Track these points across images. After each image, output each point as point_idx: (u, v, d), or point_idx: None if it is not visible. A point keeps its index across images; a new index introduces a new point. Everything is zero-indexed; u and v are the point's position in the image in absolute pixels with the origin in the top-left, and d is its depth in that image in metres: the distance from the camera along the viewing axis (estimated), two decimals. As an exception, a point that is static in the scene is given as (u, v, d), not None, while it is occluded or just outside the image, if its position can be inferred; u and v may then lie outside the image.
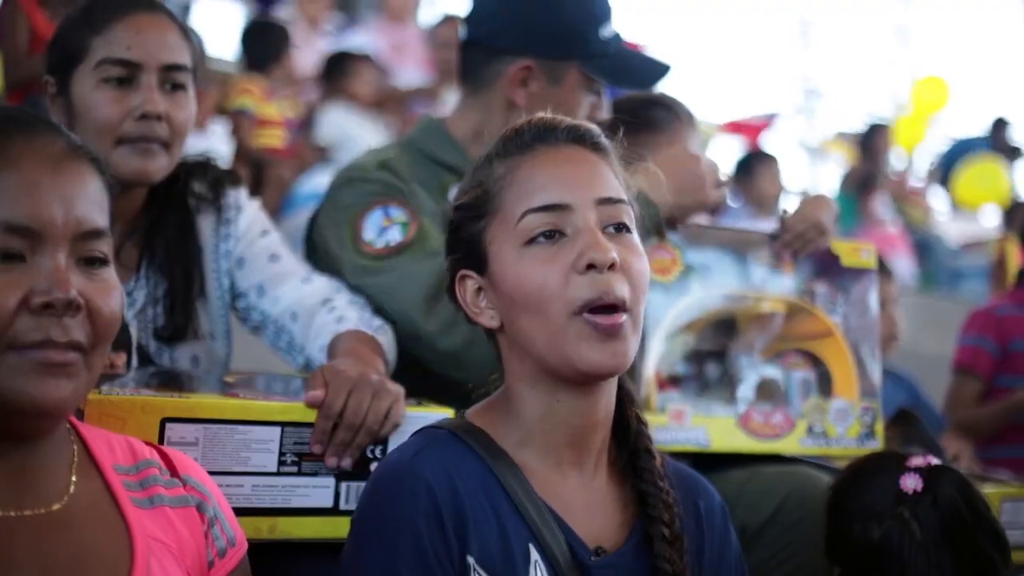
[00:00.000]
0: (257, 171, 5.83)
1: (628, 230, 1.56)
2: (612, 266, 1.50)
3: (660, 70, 2.59)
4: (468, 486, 1.50)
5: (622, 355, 1.51)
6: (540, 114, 1.63)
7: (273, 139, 6.02)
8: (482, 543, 1.49)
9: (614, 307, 1.49)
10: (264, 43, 6.35)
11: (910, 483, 1.95)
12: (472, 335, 2.16)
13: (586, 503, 1.57)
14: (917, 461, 1.99)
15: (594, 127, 1.64)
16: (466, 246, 1.60)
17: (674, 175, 2.24)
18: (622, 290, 1.50)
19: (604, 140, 1.63)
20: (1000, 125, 10.83)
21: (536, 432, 1.56)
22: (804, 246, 2.40)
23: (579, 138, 1.60)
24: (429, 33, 7.63)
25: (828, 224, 2.43)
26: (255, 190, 5.33)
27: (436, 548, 1.46)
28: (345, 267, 2.33)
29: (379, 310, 2.25)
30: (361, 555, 1.49)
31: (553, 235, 1.52)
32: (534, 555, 1.50)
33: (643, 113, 2.52)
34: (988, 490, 2.16)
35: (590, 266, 1.49)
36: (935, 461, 2.01)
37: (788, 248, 2.39)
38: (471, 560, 1.47)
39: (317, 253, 2.42)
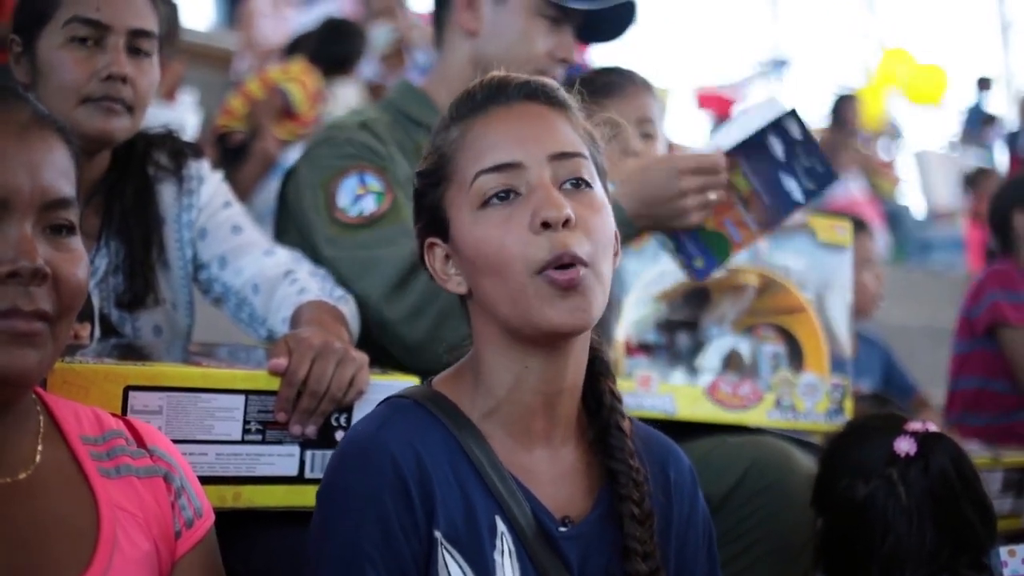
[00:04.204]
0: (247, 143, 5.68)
1: (588, 185, 1.52)
2: (567, 222, 1.47)
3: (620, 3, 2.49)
4: (434, 458, 1.48)
5: (584, 311, 1.47)
6: (493, 72, 1.59)
7: (289, 135, 5.75)
8: (448, 516, 1.47)
9: (572, 264, 1.46)
10: (338, 44, 6.11)
11: (904, 446, 1.96)
12: (436, 327, 2.16)
13: (553, 473, 1.55)
14: (915, 426, 1.99)
15: (549, 81, 1.59)
16: (429, 213, 1.58)
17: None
18: (581, 247, 1.46)
19: (561, 94, 1.58)
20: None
21: (504, 401, 1.53)
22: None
23: (532, 94, 1.56)
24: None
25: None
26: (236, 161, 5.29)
27: (403, 523, 1.44)
28: (317, 235, 2.33)
29: (345, 286, 2.23)
30: (326, 530, 1.47)
31: (507, 195, 1.49)
32: (500, 526, 1.49)
33: (596, 79, 2.42)
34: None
35: (545, 224, 1.46)
36: (933, 428, 2.01)
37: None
38: (438, 535, 1.46)
39: (288, 209, 2.42)
